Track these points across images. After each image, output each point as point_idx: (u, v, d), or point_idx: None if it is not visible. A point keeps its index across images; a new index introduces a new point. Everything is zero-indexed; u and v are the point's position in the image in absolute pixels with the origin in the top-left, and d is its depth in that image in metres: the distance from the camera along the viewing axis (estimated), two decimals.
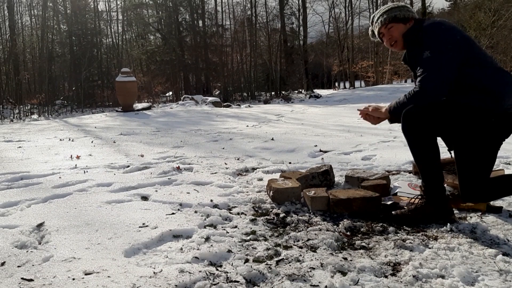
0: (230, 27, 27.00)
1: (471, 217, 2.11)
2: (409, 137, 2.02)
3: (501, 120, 1.89)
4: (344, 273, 1.52)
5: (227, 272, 1.56)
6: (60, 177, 3.19)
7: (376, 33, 2.23)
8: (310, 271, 1.54)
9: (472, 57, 1.92)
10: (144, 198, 2.61)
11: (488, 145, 1.93)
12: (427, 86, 1.89)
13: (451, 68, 1.88)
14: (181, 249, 1.78)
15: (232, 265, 1.62)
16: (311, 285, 1.44)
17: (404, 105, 2.00)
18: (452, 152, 2.08)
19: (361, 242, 1.83)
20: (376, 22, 2.19)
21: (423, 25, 2.01)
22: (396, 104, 2.05)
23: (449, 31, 1.93)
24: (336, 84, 39.01)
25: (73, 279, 1.50)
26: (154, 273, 1.54)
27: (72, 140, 5.64)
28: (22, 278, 1.51)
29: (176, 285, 1.44)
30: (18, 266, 1.62)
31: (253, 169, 3.46)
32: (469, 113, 1.90)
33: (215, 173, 3.29)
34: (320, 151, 4.22)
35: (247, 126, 7.18)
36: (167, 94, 24.72)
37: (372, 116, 2.20)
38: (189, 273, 1.53)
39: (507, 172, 2.82)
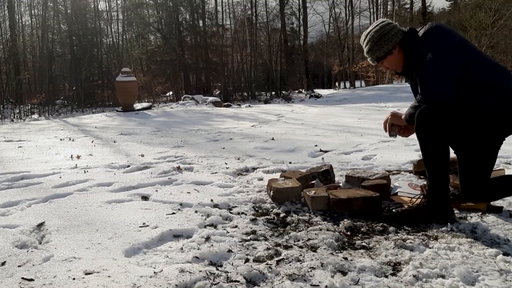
0: (231, 27, 26.98)
1: (471, 217, 2.11)
2: (421, 137, 2.02)
3: (503, 120, 1.89)
4: (344, 273, 1.52)
5: (228, 272, 1.56)
6: (60, 177, 3.20)
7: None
8: (311, 271, 1.54)
9: (473, 57, 1.94)
10: (145, 198, 2.61)
11: (491, 146, 1.93)
12: (435, 86, 1.91)
13: (456, 68, 1.90)
14: (182, 248, 1.78)
15: (232, 264, 1.62)
16: (311, 285, 1.44)
17: (416, 107, 2.01)
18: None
19: (362, 242, 1.83)
20: (369, 59, 2.20)
21: (418, 32, 2.02)
22: (411, 108, 2.06)
23: (448, 34, 1.95)
24: (337, 84, 38.98)
25: (74, 278, 1.50)
26: (154, 273, 1.54)
27: (73, 140, 5.64)
28: (22, 278, 1.51)
29: (176, 285, 1.44)
30: (19, 266, 1.62)
31: (254, 169, 3.46)
32: (472, 114, 1.91)
33: (216, 173, 3.29)
34: (321, 151, 4.22)
35: (247, 126, 7.18)
36: (167, 94, 24.72)
37: (399, 126, 2.20)
38: (190, 272, 1.53)
39: (507, 172, 2.82)
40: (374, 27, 2.12)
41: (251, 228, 2.03)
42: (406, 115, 2.09)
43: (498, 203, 2.24)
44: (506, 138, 1.97)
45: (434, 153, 2.01)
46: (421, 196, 2.16)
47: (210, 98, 13.77)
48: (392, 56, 2.09)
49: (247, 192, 2.71)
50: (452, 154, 2.15)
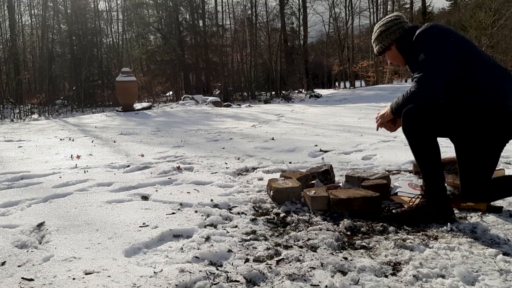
0: (230, 27, 27.00)
1: (471, 216, 2.11)
2: (409, 136, 2.03)
3: (503, 121, 1.89)
4: (344, 273, 1.52)
5: (228, 272, 1.56)
6: (60, 177, 3.19)
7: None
8: (311, 270, 1.54)
9: (472, 57, 1.94)
10: (145, 197, 2.61)
11: (491, 147, 1.93)
12: (422, 86, 1.93)
13: (445, 68, 1.91)
14: (182, 248, 1.78)
15: (232, 264, 1.62)
16: (311, 285, 1.44)
17: (403, 105, 2.03)
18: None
19: (362, 242, 1.83)
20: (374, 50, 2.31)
21: (416, 31, 2.04)
22: (396, 104, 2.08)
23: (442, 33, 1.96)
24: (337, 83, 39.00)
25: (74, 278, 1.50)
26: (154, 272, 1.54)
27: (72, 140, 5.64)
28: (22, 278, 1.51)
29: (176, 285, 1.44)
30: (19, 266, 1.62)
31: (253, 168, 3.46)
32: (472, 114, 1.91)
33: (215, 172, 3.29)
34: (320, 150, 4.22)
35: (247, 126, 7.18)
36: (167, 94, 24.72)
37: (386, 123, 2.22)
38: (190, 272, 1.53)
39: (507, 172, 2.82)
40: (381, 21, 2.22)
41: (251, 228, 2.03)
42: (392, 108, 2.11)
43: (498, 203, 2.23)
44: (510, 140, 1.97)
45: (423, 152, 2.02)
46: (420, 196, 2.15)
47: (210, 98, 13.77)
48: (390, 51, 2.21)
49: (247, 192, 2.71)
50: (453, 153, 2.15)
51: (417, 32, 2.02)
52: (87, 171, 3.40)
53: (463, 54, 1.92)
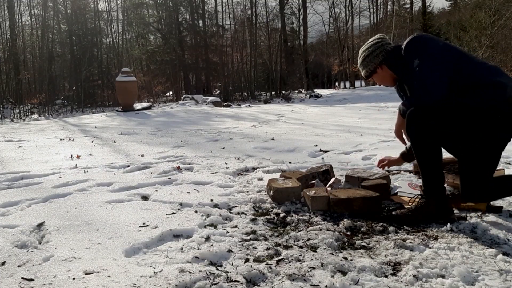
0: (230, 27, 27.01)
1: (471, 216, 2.11)
2: (412, 137, 2.03)
3: (507, 117, 1.89)
4: (344, 273, 1.52)
5: (227, 272, 1.56)
6: (60, 177, 3.19)
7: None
8: (311, 270, 1.54)
9: (464, 59, 1.98)
10: (144, 197, 2.61)
11: (490, 147, 1.93)
12: (424, 89, 1.93)
13: (444, 69, 1.92)
14: (182, 248, 1.78)
15: (232, 264, 1.62)
16: (311, 285, 1.44)
17: (407, 108, 2.03)
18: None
19: (362, 242, 1.83)
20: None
21: (401, 46, 2.08)
22: (404, 106, 2.07)
23: (431, 39, 2.01)
24: (337, 83, 38.98)
25: (74, 278, 1.50)
26: (154, 272, 1.54)
27: (72, 140, 5.64)
28: (22, 278, 1.51)
29: (176, 285, 1.44)
30: (19, 266, 1.62)
31: (253, 168, 3.46)
32: (475, 114, 1.91)
33: (215, 172, 3.29)
34: (320, 150, 4.22)
35: (247, 126, 7.18)
36: (167, 94, 24.72)
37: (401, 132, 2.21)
38: (189, 272, 1.53)
39: (507, 172, 2.82)
40: (364, 46, 2.25)
41: (251, 228, 2.03)
42: (400, 110, 2.11)
43: (498, 203, 2.23)
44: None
45: (425, 152, 2.03)
46: (420, 196, 2.15)
47: (210, 98, 13.78)
48: (377, 74, 2.24)
49: (247, 192, 2.71)
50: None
51: (405, 43, 2.06)
52: (87, 171, 3.40)
53: (453, 58, 1.95)
